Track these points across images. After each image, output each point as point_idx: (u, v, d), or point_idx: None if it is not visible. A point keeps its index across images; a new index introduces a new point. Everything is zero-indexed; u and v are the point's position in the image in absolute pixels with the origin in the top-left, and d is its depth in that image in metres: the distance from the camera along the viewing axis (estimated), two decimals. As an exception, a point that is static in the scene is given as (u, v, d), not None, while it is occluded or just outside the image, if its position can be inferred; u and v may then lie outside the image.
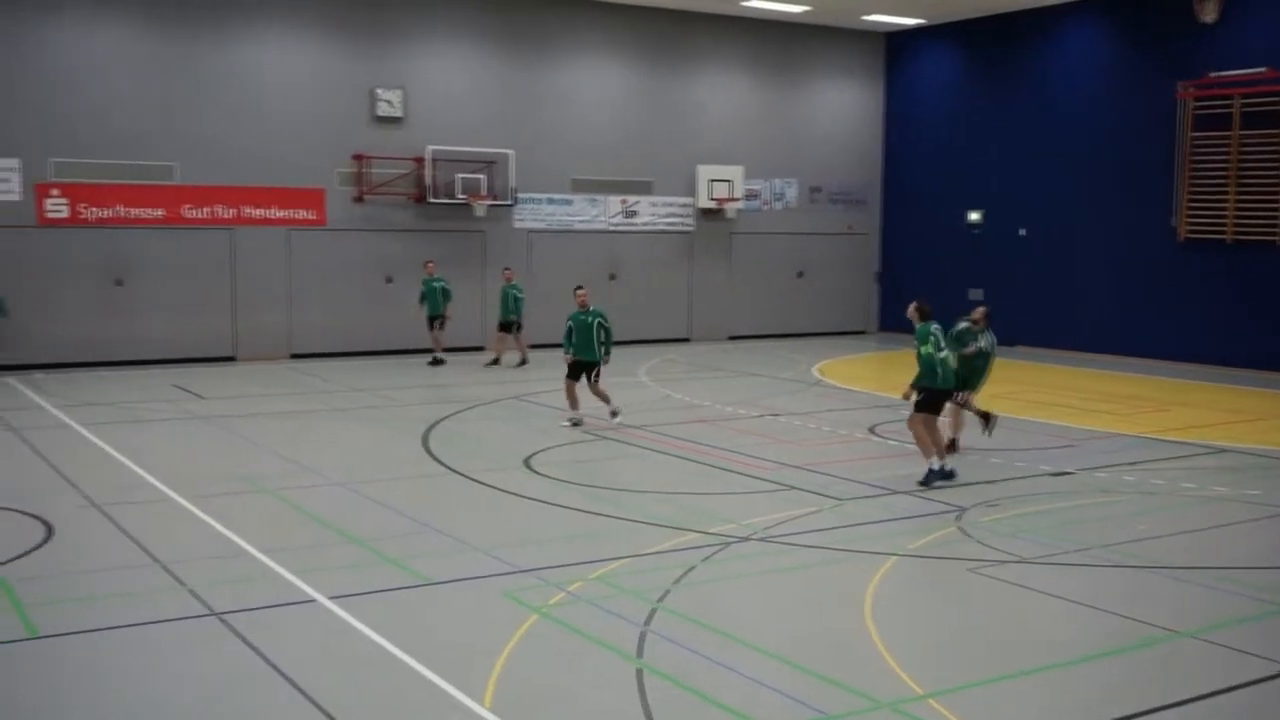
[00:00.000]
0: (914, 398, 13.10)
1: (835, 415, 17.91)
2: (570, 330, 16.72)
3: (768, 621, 8.73)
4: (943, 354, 13.01)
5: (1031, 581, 9.57)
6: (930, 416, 13.05)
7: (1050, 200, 27.11)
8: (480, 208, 25.45)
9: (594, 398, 16.67)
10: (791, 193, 30.09)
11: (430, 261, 23.81)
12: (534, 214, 26.70)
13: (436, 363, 23.43)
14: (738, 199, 28.61)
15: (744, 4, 27.19)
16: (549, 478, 13.27)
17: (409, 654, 7.74)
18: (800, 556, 10.37)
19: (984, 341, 14.56)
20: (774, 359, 25.10)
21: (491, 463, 14.12)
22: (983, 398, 15.35)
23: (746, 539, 10.76)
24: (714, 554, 10.26)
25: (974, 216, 29.01)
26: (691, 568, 9.81)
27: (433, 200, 25.07)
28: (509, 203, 26.00)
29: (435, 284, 23.37)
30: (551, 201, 26.90)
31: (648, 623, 8.43)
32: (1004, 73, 28.24)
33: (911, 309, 13.44)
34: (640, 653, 7.89)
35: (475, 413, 17.60)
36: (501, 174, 25.79)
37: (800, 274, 30.24)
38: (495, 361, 23.68)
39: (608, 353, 16.72)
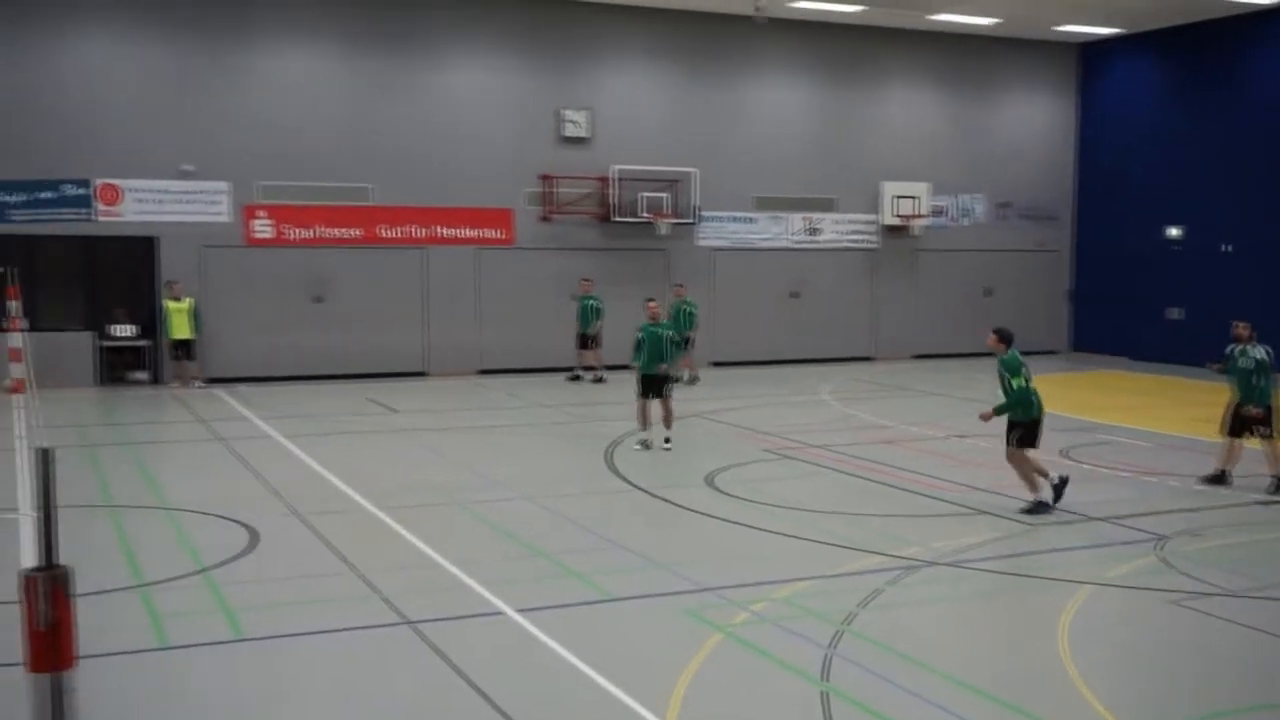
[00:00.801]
0: (992, 420, 12.64)
1: (1025, 437, 17.39)
2: (640, 342, 16.31)
3: (957, 649, 8.52)
4: (1032, 384, 12.41)
5: (1238, 616, 9.11)
6: (1023, 451, 12.51)
7: (1256, 215, 25.84)
8: (663, 226, 25.64)
9: (638, 415, 16.29)
10: (979, 208, 29.43)
11: (586, 279, 24.04)
12: (717, 232, 26.77)
13: (577, 379, 23.55)
14: (924, 215, 28.13)
15: (930, 18, 26.77)
16: (731, 496, 13.25)
17: (594, 669, 7.83)
18: (991, 583, 10.11)
19: (1259, 353, 13.72)
20: (960, 378, 24.55)
21: (673, 479, 14.18)
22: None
23: (934, 563, 10.54)
24: (901, 578, 10.07)
25: (1173, 232, 27.85)
26: (878, 591, 9.66)
27: (617, 219, 25.38)
28: (692, 221, 26.13)
29: (588, 302, 23.58)
30: (734, 219, 26.92)
31: (833, 646, 8.33)
32: (1206, 82, 27.06)
33: (993, 339, 12.72)
34: (826, 676, 7.79)
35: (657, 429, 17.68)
36: (685, 192, 25.94)
37: (988, 291, 29.52)
38: (691, 379, 23.50)
39: (675, 357, 16.43)
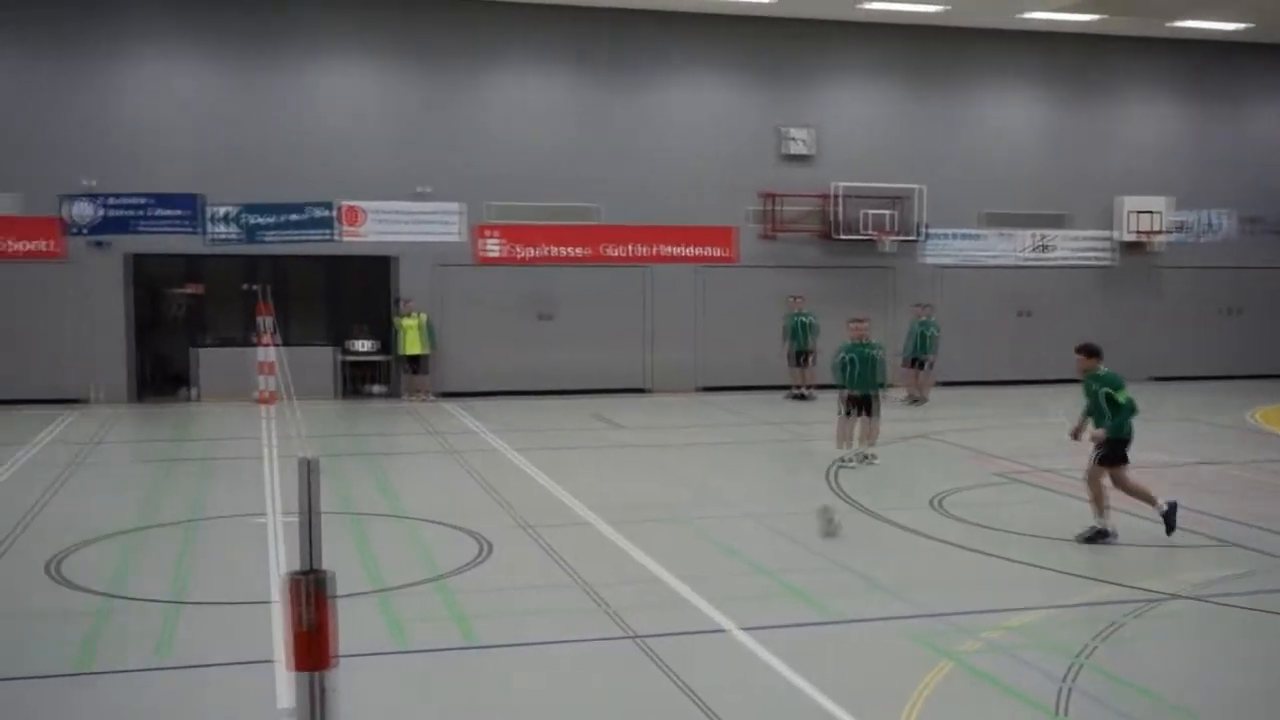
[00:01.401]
0: (1085, 438, 11.88)
1: (1277, 465, 16.40)
2: (849, 363, 15.86)
3: (1204, 688, 8.08)
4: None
5: None
6: (1118, 469, 11.75)
7: None
8: (887, 244, 25.28)
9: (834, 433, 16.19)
10: (1225, 224, 27.94)
11: (797, 296, 23.81)
12: (942, 249, 26.23)
13: (799, 399, 23.30)
14: (1164, 231, 26.88)
15: (1171, 25, 25.60)
16: (959, 519, 12.93)
17: (819, 691, 7.74)
18: (1240, 620, 9.54)
19: None
20: (1203, 402, 23.33)
21: (898, 501, 13.93)
22: None
23: (1178, 596, 10.02)
24: (1142, 611, 9.61)
25: None
26: (1117, 624, 9.24)
27: (839, 237, 25.16)
28: (917, 238, 25.67)
29: (801, 319, 23.34)
30: (961, 236, 26.33)
31: (1070, 679, 8.01)
32: None
33: (1084, 358, 11.94)
34: (1063, 710, 7.50)
35: (882, 450, 17.40)
36: (909, 209, 25.52)
37: (1234, 311, 27.98)
38: (912, 399, 23.11)
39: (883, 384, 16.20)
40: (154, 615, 9.41)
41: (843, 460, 15.90)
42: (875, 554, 11.66)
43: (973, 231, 26.38)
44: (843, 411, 16.13)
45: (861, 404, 16.01)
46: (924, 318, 23.19)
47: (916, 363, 23.08)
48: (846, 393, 16.06)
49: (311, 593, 4.52)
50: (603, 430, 19.88)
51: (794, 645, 8.73)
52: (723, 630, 9.05)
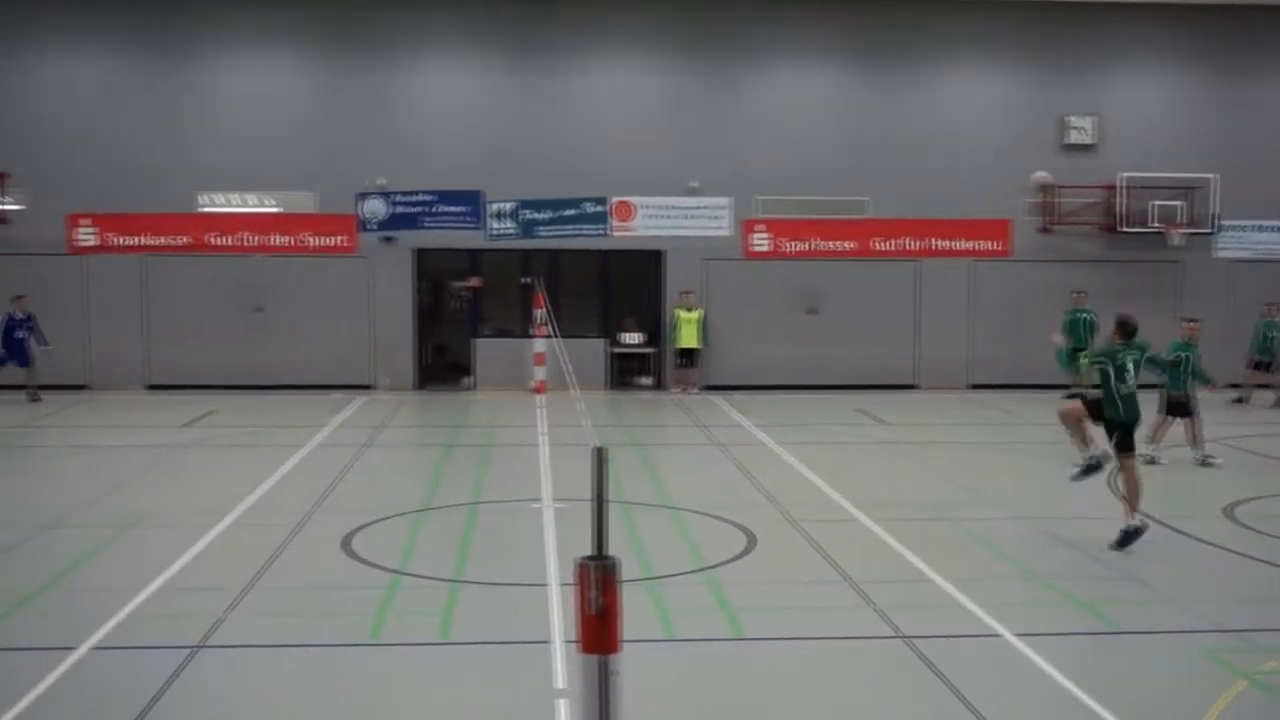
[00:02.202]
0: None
1: None
2: (1182, 362, 15.32)
3: None
4: None
5: None
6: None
7: None
8: (1176, 237, 23.93)
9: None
10: None
11: (1079, 291, 22.72)
12: (1238, 242, 24.61)
13: (1076, 397, 22.20)
14: None
15: None
16: (1257, 531, 12.12)
17: (1101, 704, 7.41)
18: None
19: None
20: None
21: (1187, 509, 13.20)
22: None
23: None
24: None
25: None
26: None
27: (1124, 230, 23.98)
28: (1210, 231, 24.19)
29: (1080, 315, 22.26)
30: (1261, 229, 24.62)
31: (1383, 707, 7.41)
32: None
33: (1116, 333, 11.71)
34: (1374, 740, 6.94)
35: (1177, 454, 16.39)
36: (1202, 200, 24.06)
37: None
38: (1240, 400, 21.93)
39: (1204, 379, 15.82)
40: (437, 593, 9.89)
41: (1149, 458, 15.17)
42: (1160, 563, 11.06)
43: (1274, 224, 24.63)
44: (1162, 409, 15.82)
45: (1179, 406, 15.67)
46: (1271, 317, 22.03)
47: (1260, 365, 21.98)
48: (1165, 392, 15.74)
49: (600, 578, 4.65)
50: (867, 426, 19.63)
51: (1073, 655, 8.40)
52: (995, 635, 8.78)
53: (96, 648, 8.42)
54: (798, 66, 24.15)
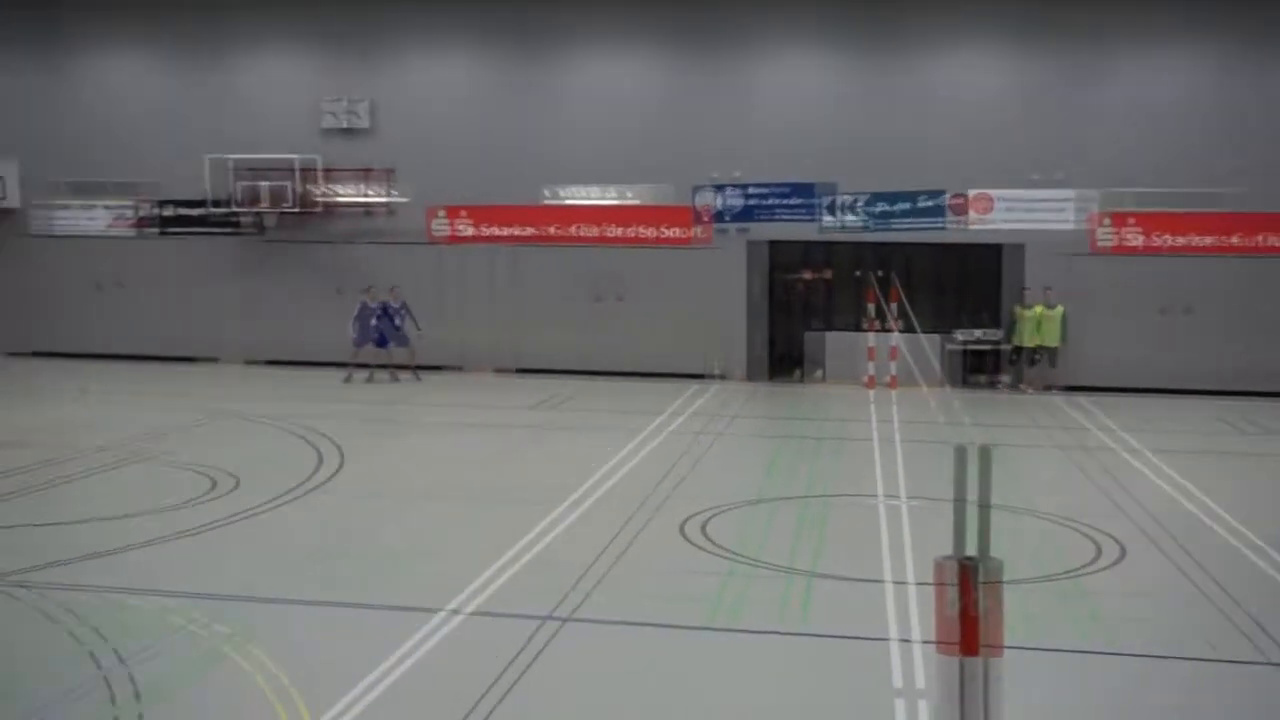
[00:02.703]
0: None
1: None
2: None
3: None
4: None
5: None
6: None
7: None
8: None
9: None
10: None
11: None
12: None
13: None
14: None
15: None
16: None
17: None
18: None
19: None
20: None
21: None
22: None
23: None
24: None
25: None
26: None
27: None
28: None
29: None
30: None
31: None
32: None
33: None
34: None
35: None
36: None
37: None
38: None
39: None
40: (776, 583, 10.02)
41: None
42: None
43: None
44: None
45: None
46: None
47: None
48: None
49: (970, 579, 4.58)
50: (1253, 435, 18.28)
51: None
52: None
53: (458, 612, 9.05)
54: (1159, 58, 22.75)
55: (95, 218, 25.90)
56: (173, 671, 7.76)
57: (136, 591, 9.40)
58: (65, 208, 26.02)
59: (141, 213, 25.67)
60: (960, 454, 4.62)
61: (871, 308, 22.96)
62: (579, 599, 9.42)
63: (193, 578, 9.87)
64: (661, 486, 13.70)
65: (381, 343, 22.72)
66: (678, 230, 24.01)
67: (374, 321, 22.65)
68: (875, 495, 13.39)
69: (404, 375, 22.81)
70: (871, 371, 22.64)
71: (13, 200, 25.70)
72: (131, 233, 25.83)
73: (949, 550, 4.86)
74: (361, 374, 22.66)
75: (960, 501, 4.60)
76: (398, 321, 22.81)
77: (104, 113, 25.68)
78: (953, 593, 4.55)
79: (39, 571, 9.91)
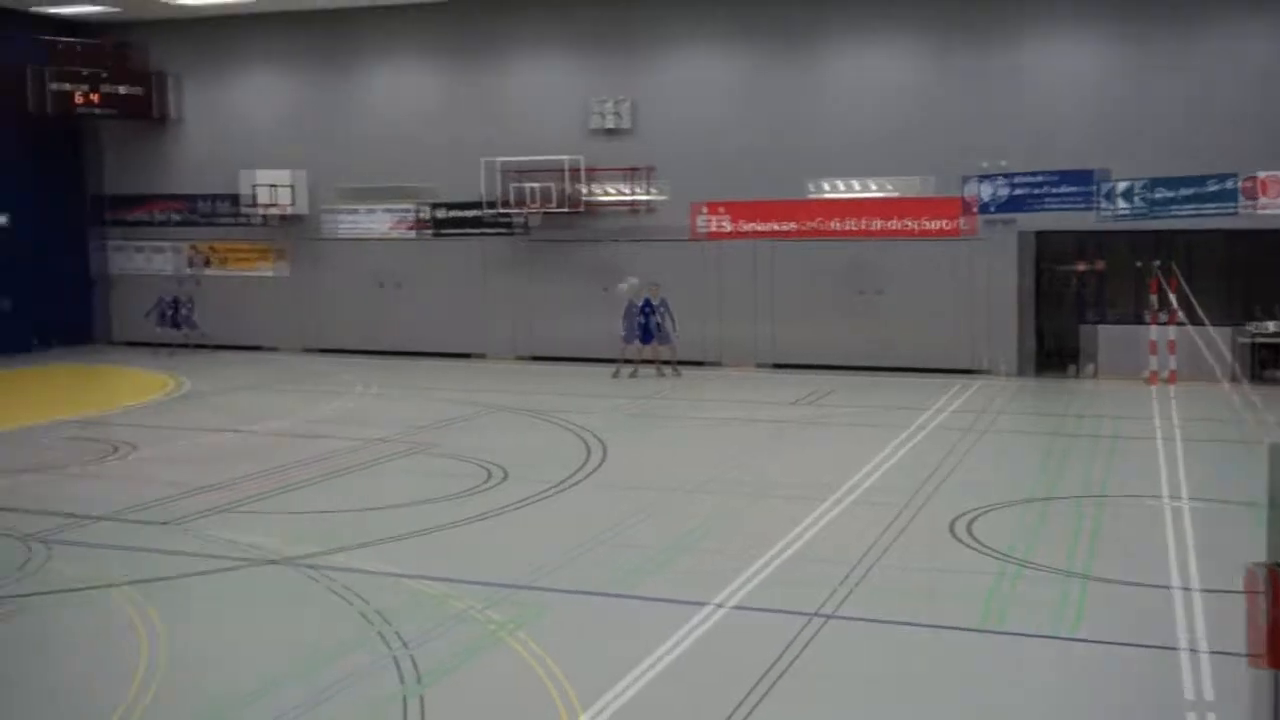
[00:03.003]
0: None
1: None
2: None
3: None
4: None
5: None
6: None
7: None
8: None
9: None
10: None
11: None
12: None
13: None
14: None
15: None
16: None
17: None
18: None
19: None
20: None
21: None
22: None
23: None
24: None
25: None
26: None
27: None
28: None
29: None
30: None
31: None
32: None
33: None
34: None
35: None
36: None
37: None
38: None
39: None
40: (1051, 585, 9.64)
41: None
42: None
43: None
44: None
45: None
46: None
47: None
48: None
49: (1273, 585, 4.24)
50: None
51: None
52: None
53: (725, 605, 9.10)
54: None
55: (376, 221, 27.36)
56: (453, 655, 8.10)
57: (417, 577, 9.86)
58: (353, 211, 27.61)
59: (421, 215, 26.94)
60: (1274, 453, 4.28)
61: (1154, 299, 21.75)
62: (844, 595, 9.31)
63: (469, 565, 10.28)
64: (928, 484, 13.40)
65: (646, 339, 23.13)
66: (943, 222, 23.43)
67: (640, 319, 23.10)
68: (1158, 496, 12.70)
69: (667, 370, 23.12)
70: (1154, 367, 21.49)
71: (301, 207, 27.44)
72: (411, 234, 27.16)
73: (1241, 555, 4.54)
74: (628, 369, 23.13)
75: (1277, 505, 4.26)
76: (657, 319, 23.15)
77: (384, 121, 27.11)
78: (1264, 601, 4.22)
79: (328, 555, 10.53)
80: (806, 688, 7.54)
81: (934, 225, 23.53)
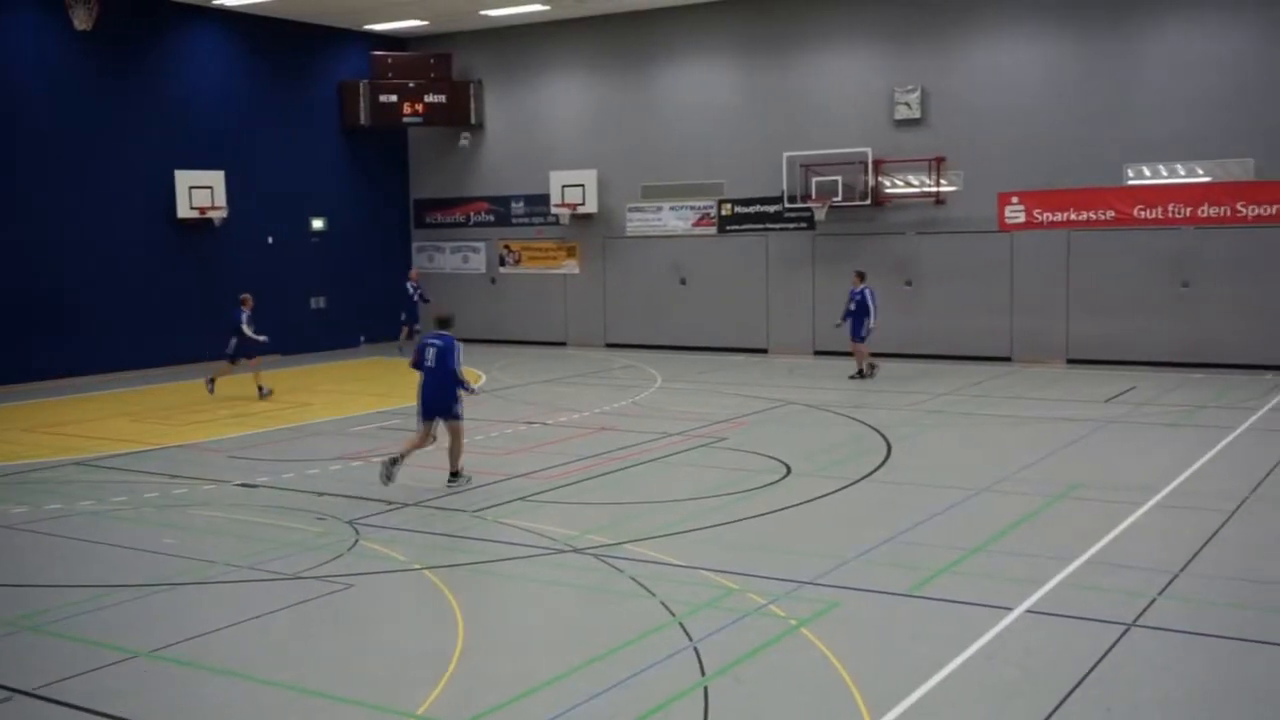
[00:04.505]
0: None
1: None
2: None
3: None
4: None
5: None
6: None
7: None
8: None
9: None
10: None
11: None
12: None
13: None
14: None
15: None
16: None
17: None
18: None
19: None
20: None
21: None
22: None
23: None
24: None
25: None
26: None
27: None
28: None
29: None
30: None
31: None
32: None
33: None
34: None
35: None
36: None
37: None
38: None
39: None
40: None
41: None
42: None
43: None
44: None
45: None
46: None
47: None
48: None
49: None
50: None
51: None
52: None
53: (1031, 611, 8.66)
54: None
55: (680, 217, 27.68)
56: (752, 648, 8.04)
57: (716, 570, 9.87)
58: (638, 210, 28.10)
59: (723, 212, 27.09)
60: None
61: None
62: (1160, 605, 8.71)
63: (765, 560, 10.21)
64: (1260, 489, 12.41)
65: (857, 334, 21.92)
66: (1277, 207, 21.70)
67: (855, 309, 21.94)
68: None
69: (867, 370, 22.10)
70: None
71: (590, 205, 28.10)
72: (711, 230, 27.37)
73: None
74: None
75: None
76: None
77: (679, 119, 27.45)
78: None
79: (625, 545, 10.69)
80: (1114, 699, 7.07)
81: (1261, 211, 21.85)
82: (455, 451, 13.37)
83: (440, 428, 13.30)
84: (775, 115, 26.14)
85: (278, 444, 16.53)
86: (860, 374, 21.94)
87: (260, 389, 20.85)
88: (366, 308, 29.73)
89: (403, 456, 13.09)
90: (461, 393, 13.23)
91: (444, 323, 13.68)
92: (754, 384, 21.68)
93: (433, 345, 13.22)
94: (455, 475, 13.37)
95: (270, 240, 27.75)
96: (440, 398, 13.18)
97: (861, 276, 22.26)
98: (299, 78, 28.42)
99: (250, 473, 14.39)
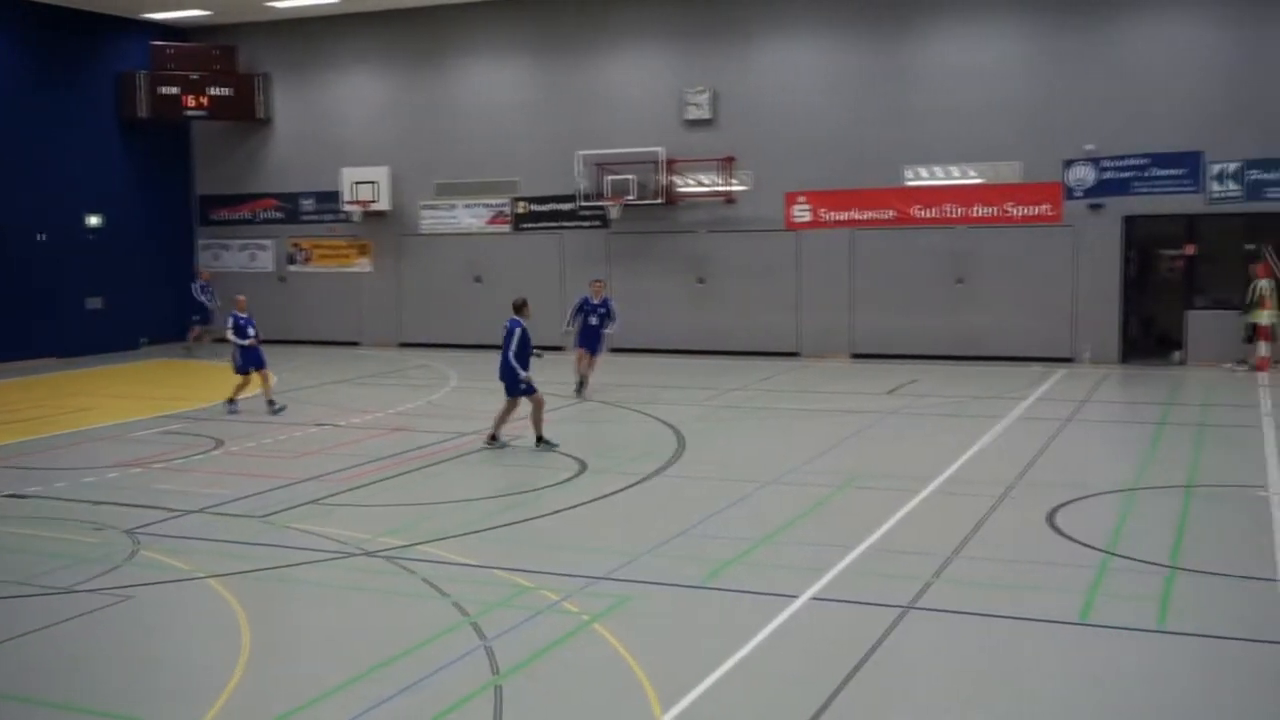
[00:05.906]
0: None
1: None
2: None
3: None
4: None
5: None
6: None
7: None
8: None
9: None
10: None
11: None
12: None
13: None
14: None
15: None
16: None
17: None
18: None
19: None
20: None
21: None
22: None
23: None
24: None
25: None
26: None
27: None
28: None
29: None
30: None
31: None
32: None
33: None
34: None
35: None
36: None
37: None
38: None
39: None
40: (1153, 578, 9.37)
41: None
42: None
43: None
44: None
45: None
46: None
47: None
48: None
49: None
50: None
51: None
52: None
53: (816, 598, 8.97)
54: None
55: (475, 215, 27.50)
56: (545, 645, 8.08)
57: (509, 569, 9.88)
58: (433, 208, 27.84)
59: (518, 210, 27.03)
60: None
61: (1264, 284, 21.10)
62: (936, 588, 9.14)
63: (558, 557, 10.27)
64: (1022, 475, 13.13)
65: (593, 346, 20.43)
66: (1044, 208, 22.97)
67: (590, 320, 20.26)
68: (1264, 487, 12.30)
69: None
70: (1264, 353, 20.90)
71: (383, 203, 27.70)
72: (506, 229, 27.28)
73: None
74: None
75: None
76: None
77: (472, 117, 27.29)
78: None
79: (419, 546, 10.60)
80: (890, 683, 7.41)
81: (1029, 211, 23.12)
82: (534, 420, 15.04)
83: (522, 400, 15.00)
84: (569, 114, 26.27)
85: (51, 451, 15.76)
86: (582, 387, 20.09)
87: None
88: (148, 308, 28.58)
89: (495, 434, 15.11)
90: (522, 374, 14.82)
91: (516, 308, 15.35)
92: (549, 383, 21.68)
93: (504, 328, 15.10)
94: (539, 440, 15.01)
95: (41, 237, 26.38)
96: (504, 377, 15.10)
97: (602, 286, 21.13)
98: (74, 66, 27.11)
99: (20, 482, 13.68)
